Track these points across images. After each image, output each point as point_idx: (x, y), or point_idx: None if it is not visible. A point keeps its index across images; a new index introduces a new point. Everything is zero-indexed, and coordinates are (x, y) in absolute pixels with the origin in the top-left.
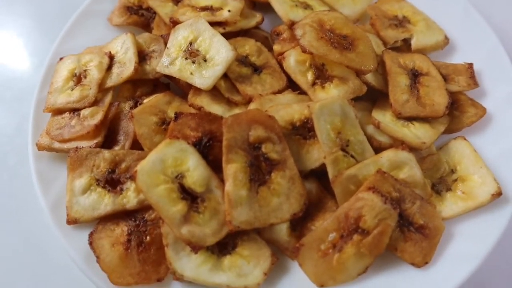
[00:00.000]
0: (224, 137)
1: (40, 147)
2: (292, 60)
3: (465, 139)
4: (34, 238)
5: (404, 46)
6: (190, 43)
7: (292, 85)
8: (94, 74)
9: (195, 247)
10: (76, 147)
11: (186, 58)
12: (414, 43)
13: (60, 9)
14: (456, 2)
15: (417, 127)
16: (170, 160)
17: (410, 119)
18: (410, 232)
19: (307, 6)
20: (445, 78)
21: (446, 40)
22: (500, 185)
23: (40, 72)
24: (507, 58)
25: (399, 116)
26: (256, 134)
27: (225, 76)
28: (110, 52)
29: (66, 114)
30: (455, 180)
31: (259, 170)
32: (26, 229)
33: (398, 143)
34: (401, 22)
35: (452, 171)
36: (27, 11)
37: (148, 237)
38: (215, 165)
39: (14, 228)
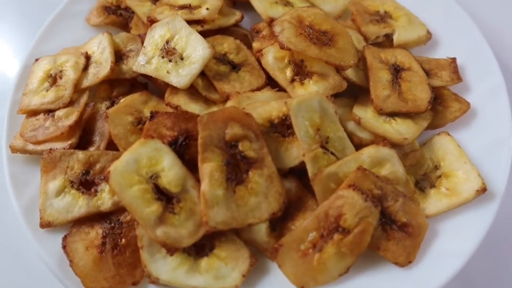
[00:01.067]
0: (199, 135)
1: (14, 150)
2: (271, 56)
3: (448, 134)
4: (9, 241)
5: (386, 42)
6: (167, 42)
7: (271, 83)
8: (70, 75)
9: (171, 249)
10: (50, 149)
11: (163, 57)
12: (396, 38)
13: (40, 10)
14: None
15: (399, 123)
16: (144, 160)
17: (392, 114)
18: (393, 231)
19: (287, 3)
20: (428, 73)
21: (429, 35)
22: (485, 180)
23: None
24: (491, 52)
25: (380, 112)
26: (232, 132)
27: (202, 74)
28: (86, 52)
29: (41, 116)
30: (439, 177)
31: (236, 169)
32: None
33: (380, 140)
34: (382, 18)
35: (436, 167)
36: (6, 13)
37: (123, 240)
38: (192, 165)
39: None
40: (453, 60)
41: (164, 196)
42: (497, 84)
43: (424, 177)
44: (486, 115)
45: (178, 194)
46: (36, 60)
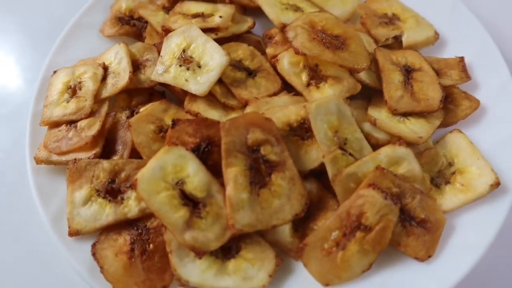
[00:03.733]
0: (222, 141)
1: (38, 161)
2: (286, 62)
3: (460, 131)
4: (37, 253)
5: (395, 44)
6: (184, 50)
7: (287, 87)
8: (89, 86)
9: (199, 253)
10: (75, 159)
11: (180, 65)
12: (405, 39)
13: (50, 23)
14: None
15: (413, 123)
16: (169, 167)
17: (406, 114)
18: (412, 227)
19: (297, 9)
20: (438, 73)
21: (436, 35)
22: (498, 175)
23: (34, 87)
24: (497, 50)
25: (394, 112)
26: (254, 136)
27: (220, 81)
28: (103, 63)
29: (63, 127)
30: (453, 173)
31: (259, 173)
32: (28, 244)
33: (395, 139)
34: (391, 20)
35: (450, 164)
36: (17, 27)
37: (151, 245)
38: (214, 170)
39: (16, 244)
40: (461, 59)
41: (191, 202)
42: (505, 81)
43: (439, 174)
44: (496, 111)
45: (204, 199)
46: (54, 72)
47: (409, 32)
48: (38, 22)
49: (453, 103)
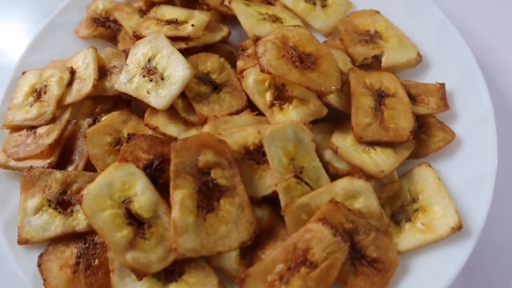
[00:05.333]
0: (171, 162)
1: None
2: (251, 79)
3: (430, 166)
4: None
5: (375, 63)
6: (149, 60)
7: (252, 105)
8: (54, 90)
9: (140, 274)
10: (30, 167)
11: (144, 76)
12: (384, 60)
13: (34, 21)
14: (434, 16)
15: (379, 153)
16: (118, 184)
17: (372, 143)
18: (362, 266)
19: (276, 19)
20: (415, 99)
21: (419, 57)
22: (463, 216)
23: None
24: (482, 79)
25: (360, 141)
26: (205, 159)
27: (183, 94)
28: (71, 67)
29: (24, 132)
30: (416, 210)
31: (208, 196)
32: None
33: (356, 170)
34: (372, 38)
35: (414, 200)
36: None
37: (96, 261)
38: (166, 189)
39: None
40: (442, 86)
41: (136, 221)
42: (485, 115)
43: (400, 209)
44: (471, 146)
45: (149, 219)
46: (23, 73)
47: (390, 52)
48: (21, 19)
49: (426, 133)
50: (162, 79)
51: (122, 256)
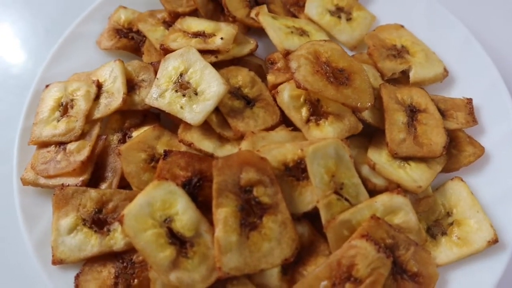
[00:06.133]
0: (214, 181)
1: (25, 182)
2: (286, 95)
3: (462, 180)
4: (18, 276)
5: (403, 78)
6: (181, 75)
7: (286, 119)
8: (81, 105)
9: None
10: (62, 185)
11: (176, 91)
12: (412, 75)
13: (47, 30)
14: (457, 31)
15: (413, 168)
16: (158, 203)
17: (407, 158)
18: (404, 280)
19: (303, 33)
20: (444, 114)
21: (445, 72)
22: (497, 231)
23: (25, 97)
24: (508, 94)
25: (395, 156)
26: (247, 177)
27: (216, 109)
28: (98, 81)
29: (52, 148)
30: (451, 224)
31: (250, 214)
32: (9, 266)
33: (394, 185)
34: (399, 53)
35: (448, 214)
36: (12, 31)
37: (135, 280)
38: (205, 206)
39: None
40: (469, 101)
41: (178, 240)
42: None
43: (435, 223)
44: (500, 160)
45: (191, 238)
46: (47, 86)
47: (417, 67)
48: (34, 28)
49: (456, 148)
50: (196, 94)
51: (166, 276)
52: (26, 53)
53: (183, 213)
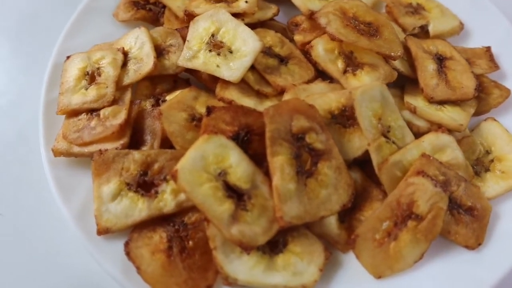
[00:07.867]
0: (267, 129)
1: (57, 153)
2: (321, 48)
3: (495, 120)
4: (51, 254)
5: (421, 33)
6: (212, 35)
7: (320, 74)
8: (109, 71)
9: (247, 248)
10: (100, 150)
11: (210, 51)
12: (431, 29)
13: (52, 10)
14: None
15: (450, 110)
16: (211, 157)
17: (441, 103)
18: (460, 215)
19: None
20: (467, 62)
21: (461, 25)
22: None
23: (37, 75)
24: None
25: (431, 101)
26: (299, 124)
27: (252, 68)
28: (123, 48)
29: (83, 116)
30: (492, 161)
31: (304, 162)
32: (43, 246)
33: (435, 127)
34: (416, 10)
35: (488, 152)
36: (17, 13)
37: (190, 242)
38: (255, 160)
39: (28, 245)
40: (488, 48)
41: (235, 194)
42: None
43: (477, 162)
44: None
45: (248, 190)
46: (68, 57)
47: (435, 22)
48: (39, 7)
49: (484, 92)
50: (231, 52)
51: (227, 230)
52: (28, 35)
53: (237, 165)
